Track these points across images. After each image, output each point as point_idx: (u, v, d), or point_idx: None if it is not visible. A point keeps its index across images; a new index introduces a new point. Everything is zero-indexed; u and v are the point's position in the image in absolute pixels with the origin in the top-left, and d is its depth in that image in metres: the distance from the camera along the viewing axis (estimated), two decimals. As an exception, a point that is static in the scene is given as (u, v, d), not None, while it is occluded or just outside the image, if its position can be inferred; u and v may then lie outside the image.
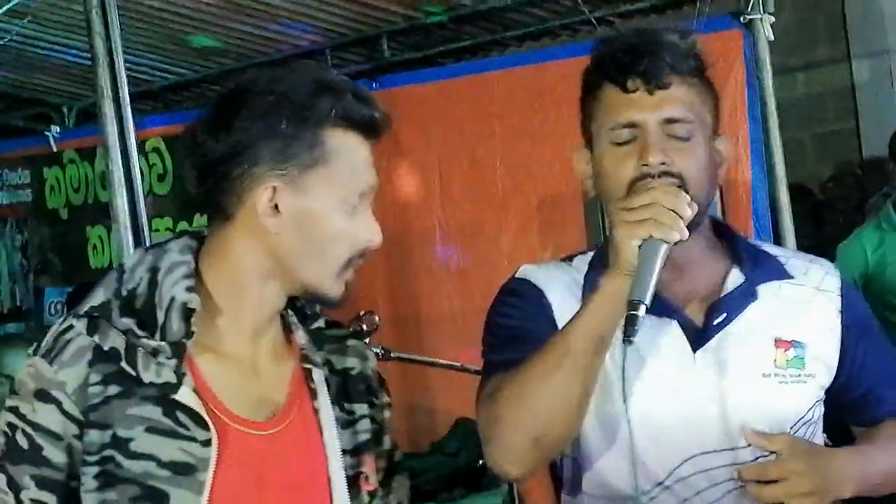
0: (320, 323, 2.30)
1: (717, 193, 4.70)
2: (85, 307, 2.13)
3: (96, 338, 2.09)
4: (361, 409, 2.31)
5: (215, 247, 2.19)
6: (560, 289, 2.42)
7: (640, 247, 2.15)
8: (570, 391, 2.21)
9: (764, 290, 2.41)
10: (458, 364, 4.58)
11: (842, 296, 2.47)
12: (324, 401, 2.24)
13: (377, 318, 4.63)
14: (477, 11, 6.06)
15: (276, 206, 2.11)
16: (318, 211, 2.12)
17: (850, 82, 8.58)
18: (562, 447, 2.33)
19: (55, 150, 7.35)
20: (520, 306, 2.42)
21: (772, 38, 4.99)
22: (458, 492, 5.55)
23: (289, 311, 2.25)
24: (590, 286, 2.35)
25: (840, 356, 2.43)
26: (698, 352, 2.33)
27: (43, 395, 2.08)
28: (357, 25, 6.29)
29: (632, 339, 2.13)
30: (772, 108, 4.97)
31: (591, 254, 2.48)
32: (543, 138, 5.66)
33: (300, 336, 2.27)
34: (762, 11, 5.00)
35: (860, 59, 8.49)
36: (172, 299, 2.11)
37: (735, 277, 2.40)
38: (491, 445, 2.27)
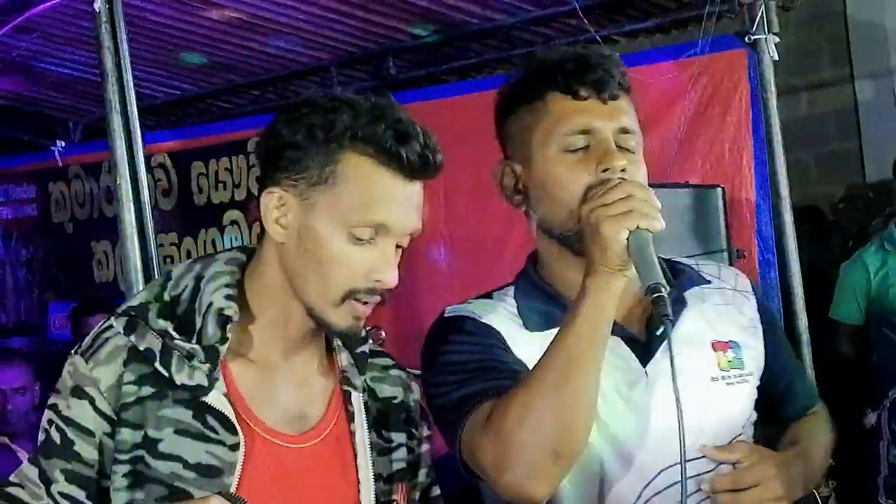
0: (364, 348, 2.30)
1: (722, 209, 4.74)
2: (125, 307, 2.17)
3: (133, 338, 2.12)
4: (399, 437, 2.31)
5: (255, 260, 2.21)
6: (501, 319, 2.38)
7: (628, 238, 2.14)
8: (582, 396, 2.17)
9: (690, 296, 2.43)
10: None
11: (754, 294, 2.53)
12: (360, 425, 2.25)
13: (383, 334, 4.64)
14: (482, 29, 6.07)
15: (283, 216, 2.12)
16: (319, 231, 2.11)
17: (854, 102, 8.58)
18: (580, 455, 2.24)
19: (60, 164, 7.37)
20: (471, 342, 2.35)
21: (776, 57, 5.00)
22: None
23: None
24: (530, 316, 2.36)
25: (765, 353, 2.47)
26: (648, 365, 2.33)
27: (78, 392, 2.11)
28: (362, 43, 6.30)
29: (670, 316, 2.10)
30: (776, 127, 4.98)
31: (510, 288, 2.47)
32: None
33: (343, 358, 2.28)
34: (766, 31, 5.01)
35: (863, 79, 8.49)
36: (210, 305, 2.14)
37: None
38: (507, 473, 2.17)
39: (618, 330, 2.30)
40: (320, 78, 6.58)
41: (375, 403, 2.30)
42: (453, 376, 2.32)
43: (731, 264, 4.65)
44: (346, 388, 2.26)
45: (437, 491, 2.43)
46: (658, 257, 2.37)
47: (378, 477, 2.24)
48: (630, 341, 2.34)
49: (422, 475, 2.37)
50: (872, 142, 8.38)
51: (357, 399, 2.26)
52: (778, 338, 2.55)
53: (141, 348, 2.11)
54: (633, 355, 2.33)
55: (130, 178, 4.16)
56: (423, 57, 6.45)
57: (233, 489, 2.09)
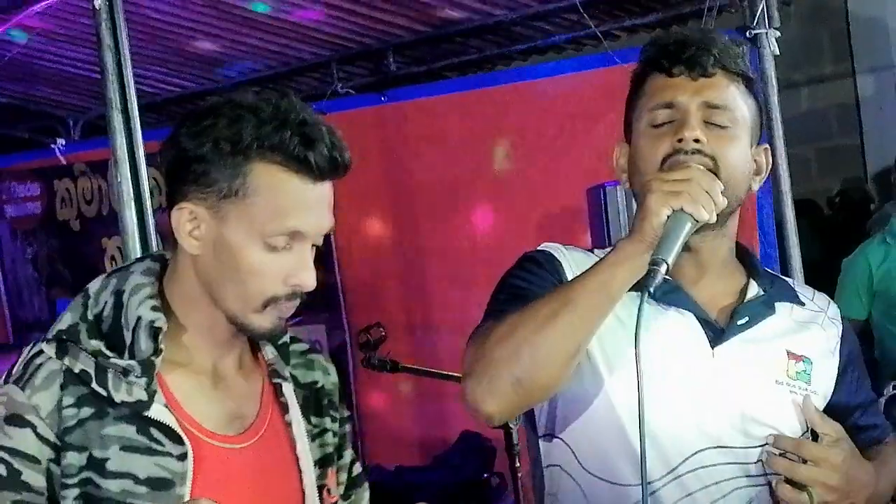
0: (285, 338, 2.32)
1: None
2: (53, 331, 2.14)
3: (66, 360, 2.10)
4: (325, 422, 2.35)
5: (172, 267, 2.21)
6: (579, 263, 2.41)
7: (668, 217, 2.16)
8: (561, 342, 2.19)
9: (780, 307, 2.46)
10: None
11: (842, 325, 2.54)
12: (295, 414, 2.28)
13: (383, 331, 4.64)
14: (483, 25, 6.07)
15: (196, 229, 2.11)
16: (234, 242, 2.10)
17: (855, 97, 8.59)
18: (541, 397, 2.31)
19: (64, 162, 7.36)
20: (535, 272, 2.41)
21: (777, 52, 5.00)
22: (460, 505, 5.55)
23: None
24: None
25: (837, 382, 2.48)
26: (717, 348, 2.36)
27: (17, 420, 2.08)
28: (363, 39, 6.30)
29: (650, 288, 2.12)
30: (777, 122, 4.97)
31: (610, 248, 2.47)
32: (550, 152, 5.68)
33: (268, 352, 2.30)
34: (767, 26, 5.00)
35: (864, 74, 8.50)
36: (139, 319, 2.12)
37: (755, 291, 2.45)
38: (472, 380, 2.23)
39: (695, 309, 2.36)
40: (321, 74, 6.58)
41: (301, 390, 2.32)
42: (500, 294, 2.42)
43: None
44: (276, 381, 2.28)
45: (359, 468, 2.46)
46: (764, 269, 2.49)
47: (315, 463, 2.28)
48: (705, 322, 2.37)
49: (346, 456, 2.41)
50: (873, 137, 8.38)
51: (288, 389, 2.29)
52: (856, 369, 2.54)
53: (76, 370, 2.09)
54: (704, 336, 2.36)
55: (131, 176, 4.16)
56: (423, 53, 6.45)
57: (186, 499, 2.09)
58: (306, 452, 2.27)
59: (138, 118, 4.20)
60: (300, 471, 2.26)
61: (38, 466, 2.07)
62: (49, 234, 7.66)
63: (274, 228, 2.08)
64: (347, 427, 2.42)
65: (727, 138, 2.31)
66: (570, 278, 2.37)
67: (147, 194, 4.20)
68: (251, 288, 2.11)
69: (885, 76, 8.36)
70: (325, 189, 2.13)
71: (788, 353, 2.42)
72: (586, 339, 2.24)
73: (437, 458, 5.74)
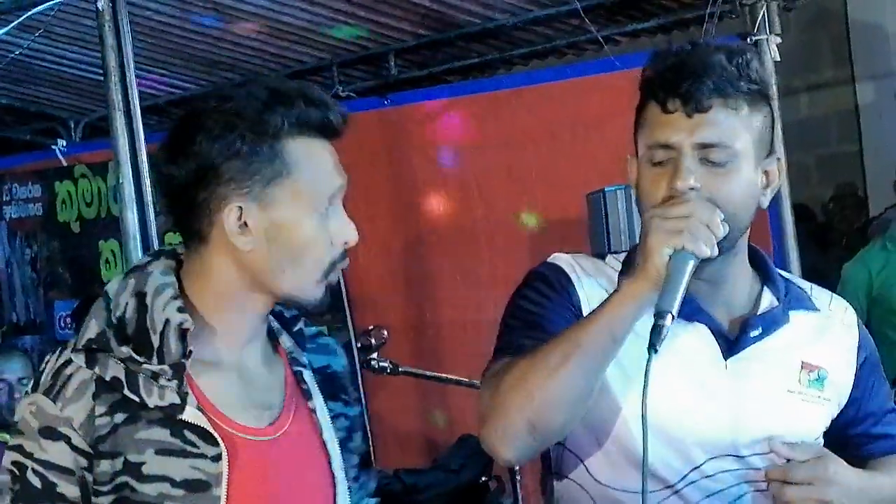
0: (300, 325, 2.34)
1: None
2: (82, 341, 2.12)
3: (97, 369, 2.10)
4: (337, 406, 2.35)
5: (195, 266, 2.20)
6: (591, 283, 2.42)
7: (669, 257, 2.16)
8: (573, 386, 2.22)
9: (795, 316, 2.45)
10: (466, 380, 4.59)
11: (859, 331, 2.53)
12: (318, 400, 2.28)
13: (385, 333, 4.64)
14: (485, 29, 6.08)
15: (245, 224, 2.12)
16: (289, 221, 2.13)
17: (854, 104, 8.60)
18: (557, 438, 2.34)
19: (65, 164, 7.37)
20: (546, 293, 2.41)
21: (777, 58, 5.01)
22: (462, 507, 5.55)
23: (270, 316, 2.27)
24: (625, 276, 2.36)
25: (853, 389, 2.48)
26: (729, 360, 2.36)
27: (50, 433, 2.08)
28: (364, 42, 6.31)
29: (657, 347, 2.13)
30: (777, 129, 4.97)
31: (623, 254, 2.50)
32: (552, 156, 5.69)
33: (285, 340, 2.31)
34: (768, 32, 5.02)
35: (864, 81, 8.51)
36: (167, 322, 2.11)
37: (769, 300, 2.43)
38: (487, 426, 2.26)
39: (707, 320, 2.36)
40: (322, 77, 6.58)
41: (316, 375, 2.33)
42: (513, 319, 2.41)
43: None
44: (296, 368, 2.29)
45: (365, 447, 2.45)
46: (778, 272, 2.47)
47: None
48: (718, 334, 2.37)
49: (357, 438, 2.40)
50: (873, 144, 8.39)
51: (309, 376, 2.30)
52: (873, 377, 2.53)
53: (107, 378, 2.09)
54: (717, 346, 2.36)
55: (133, 178, 4.16)
56: (425, 57, 6.45)
57: (223, 500, 2.10)
58: (332, 437, 2.28)
59: (140, 120, 4.20)
60: (328, 455, 2.27)
61: (72, 478, 2.08)
62: (49, 236, 7.66)
63: (321, 193, 2.14)
64: (358, 409, 2.42)
65: (725, 177, 2.26)
66: (580, 297, 2.39)
67: (149, 196, 4.20)
68: (310, 261, 2.15)
69: (885, 83, 8.37)
70: (332, 147, 2.20)
71: (803, 363, 2.41)
72: (597, 380, 2.25)
73: (437, 461, 5.75)
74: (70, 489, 2.08)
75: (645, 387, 2.12)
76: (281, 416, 2.23)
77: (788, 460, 2.31)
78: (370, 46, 6.36)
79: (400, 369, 4.62)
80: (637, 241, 2.31)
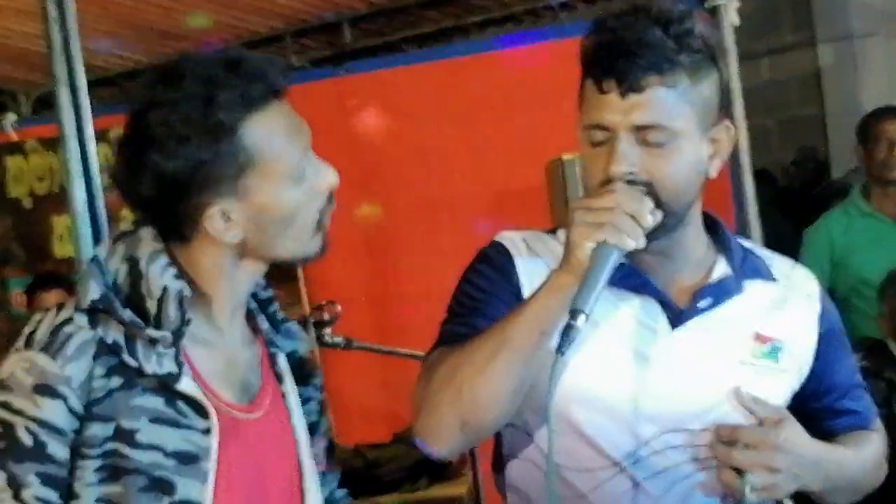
0: (274, 307, 2.32)
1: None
2: (86, 301, 2.09)
3: (99, 330, 2.07)
4: (307, 391, 2.34)
5: (185, 248, 2.17)
6: (534, 263, 2.38)
7: (593, 249, 2.12)
8: (502, 382, 2.19)
9: (749, 286, 2.40)
10: (422, 354, 4.53)
11: (821, 302, 2.48)
12: (290, 384, 2.28)
13: (339, 308, 4.60)
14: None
15: (228, 219, 2.11)
16: (270, 201, 2.12)
17: (815, 68, 8.61)
18: (491, 432, 2.31)
19: (15, 138, 7.27)
20: (488, 275, 2.38)
21: (737, 23, 4.97)
22: (422, 482, 5.53)
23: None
24: None
25: (813, 361, 2.44)
26: (676, 330, 2.32)
27: (46, 390, 2.05)
28: (318, 11, 6.25)
29: (563, 350, 2.09)
30: (737, 93, 4.94)
31: None
32: (508, 124, 5.65)
33: (262, 321, 2.30)
34: (726, -4, 4.98)
35: (825, 44, 8.51)
36: (165, 288, 2.10)
37: (722, 269, 2.39)
38: (419, 420, 2.25)
39: (655, 292, 2.32)
40: (276, 47, 6.52)
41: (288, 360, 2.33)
42: (455, 304, 2.40)
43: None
44: (272, 350, 2.28)
45: (332, 435, 2.45)
46: (735, 239, 2.43)
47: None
48: (665, 305, 2.33)
49: (324, 422, 2.40)
50: (834, 107, 8.39)
51: (282, 360, 2.29)
52: (834, 350, 2.48)
53: (109, 341, 2.06)
54: (665, 318, 2.33)
55: (80, 153, 4.08)
56: (380, 25, 6.41)
57: (211, 474, 2.09)
58: (301, 423, 2.28)
59: (87, 94, 4.11)
60: (296, 441, 2.27)
61: (63, 438, 2.05)
62: (1, 212, 7.57)
63: (293, 162, 2.12)
64: (323, 393, 2.42)
65: (664, 156, 2.21)
66: (521, 280, 2.36)
67: (96, 171, 4.12)
68: (302, 221, 2.15)
69: (846, 45, 8.37)
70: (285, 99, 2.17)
71: (756, 334, 2.37)
72: (527, 373, 2.21)
73: (398, 435, 5.72)
74: (60, 450, 2.05)
75: (550, 390, 2.09)
76: (258, 396, 2.22)
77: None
78: (324, 15, 6.30)
79: (354, 344, 4.58)
80: None
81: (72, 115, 4.10)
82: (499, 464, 2.47)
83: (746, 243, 2.53)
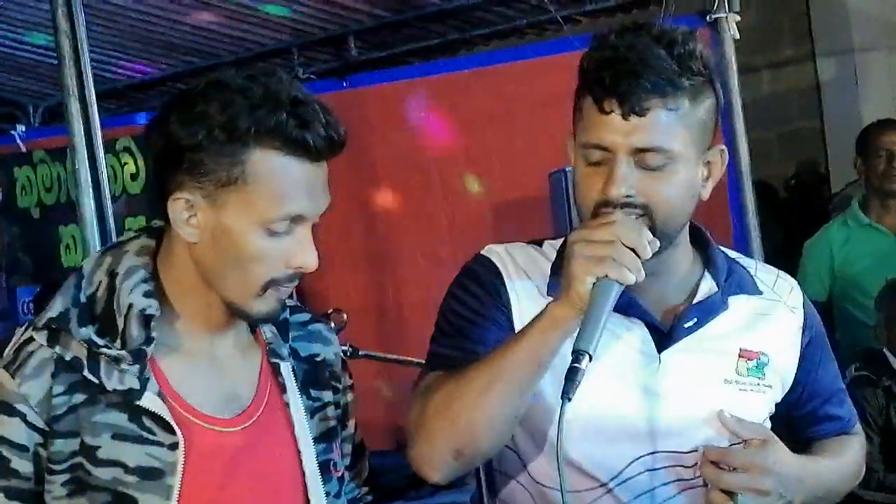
0: (286, 314, 2.29)
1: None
2: (44, 318, 2.11)
3: (57, 349, 2.08)
4: (327, 395, 2.33)
5: (165, 248, 2.17)
6: (522, 281, 2.37)
7: (594, 284, 2.11)
8: (498, 413, 2.19)
9: (734, 301, 2.40)
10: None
11: (804, 311, 2.49)
12: (292, 395, 2.26)
13: (344, 317, 4.62)
14: (444, 10, 6.06)
15: (194, 216, 2.08)
16: (234, 229, 2.07)
17: (815, 81, 8.61)
18: (485, 459, 2.33)
19: (24, 149, 7.31)
20: (476, 294, 2.36)
21: (737, 36, 5.00)
22: (427, 489, 5.54)
23: None
24: (554, 283, 2.33)
25: (797, 371, 2.45)
26: (664, 353, 2.32)
27: (7, 409, 2.08)
28: (324, 24, 6.27)
29: (570, 396, 2.08)
30: (737, 107, 4.98)
31: (560, 241, 2.43)
32: (512, 137, 5.67)
33: (266, 330, 2.27)
34: (728, 10, 5.01)
35: (825, 57, 8.51)
36: (130, 306, 2.09)
37: (708, 286, 2.39)
38: (414, 447, 2.24)
39: (641, 314, 2.31)
40: (282, 60, 6.54)
41: (301, 364, 2.31)
42: (444, 324, 2.37)
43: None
44: (273, 360, 2.26)
45: (359, 438, 2.46)
46: (721, 253, 2.42)
47: (316, 439, 2.27)
48: (652, 327, 2.32)
49: (350, 426, 2.40)
50: (834, 120, 8.40)
51: (286, 369, 2.26)
52: (818, 358, 2.50)
53: (67, 358, 2.08)
54: (651, 340, 2.32)
55: (89, 163, 4.13)
56: (385, 38, 6.43)
57: (176, 489, 2.08)
58: (305, 432, 2.25)
59: (96, 105, 4.16)
60: (299, 451, 2.25)
61: (25, 454, 2.08)
62: (9, 222, 7.60)
63: (275, 214, 2.06)
64: (350, 396, 2.40)
65: (662, 180, 2.20)
66: (510, 296, 2.35)
67: (105, 181, 4.17)
68: (251, 273, 2.09)
69: (846, 59, 8.38)
70: (322, 169, 2.10)
71: (742, 350, 2.37)
72: (523, 403, 2.22)
73: (401, 443, 5.71)
74: (24, 465, 2.08)
75: (559, 434, 2.08)
76: (250, 407, 2.21)
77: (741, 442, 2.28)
78: (331, 28, 6.33)
79: (360, 353, 4.60)
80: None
81: (81, 125, 4.14)
82: (491, 481, 2.48)
83: (731, 253, 2.52)
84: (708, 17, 5.00)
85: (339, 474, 2.32)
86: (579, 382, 2.07)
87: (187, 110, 2.06)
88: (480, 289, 2.37)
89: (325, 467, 2.28)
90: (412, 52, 6.53)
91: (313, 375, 2.32)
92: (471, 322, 2.34)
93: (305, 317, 2.37)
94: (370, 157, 6.13)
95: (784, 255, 5.96)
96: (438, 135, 5.96)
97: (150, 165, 2.20)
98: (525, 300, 2.34)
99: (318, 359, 2.34)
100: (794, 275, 5.83)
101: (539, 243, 2.46)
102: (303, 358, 2.32)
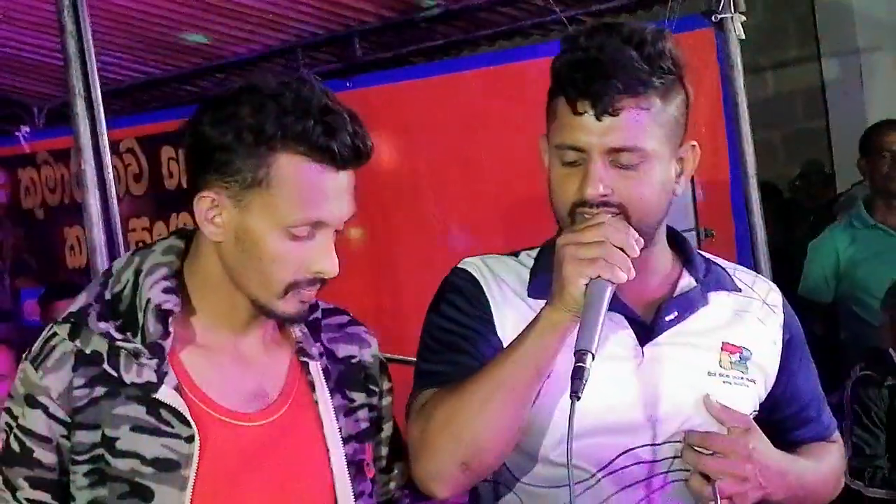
0: (316, 314, 2.32)
1: (690, 189, 4.74)
2: (67, 312, 2.18)
3: (78, 342, 2.14)
4: (360, 397, 2.35)
5: (194, 247, 2.22)
6: (501, 285, 2.40)
7: (587, 285, 2.13)
8: (503, 421, 2.21)
9: (714, 297, 2.43)
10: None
11: (784, 311, 2.51)
12: (322, 393, 2.28)
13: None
14: (449, 11, 6.06)
15: (219, 215, 2.13)
16: (256, 231, 2.12)
17: (820, 81, 8.62)
18: (493, 469, 2.32)
19: (28, 150, 7.31)
20: (459, 306, 2.38)
21: (743, 36, 4.99)
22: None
23: None
24: (536, 285, 2.36)
25: (779, 370, 2.46)
26: (646, 346, 2.34)
27: (30, 401, 2.14)
28: (329, 25, 6.28)
29: (579, 395, 2.10)
30: (743, 107, 4.97)
31: (537, 249, 2.47)
32: (517, 137, 5.67)
33: (295, 329, 2.30)
34: (733, 10, 5.00)
35: (830, 58, 8.52)
36: (148, 301, 2.15)
37: (687, 281, 2.42)
38: (419, 466, 2.26)
39: (622, 309, 2.32)
40: (286, 60, 6.55)
41: (337, 365, 2.33)
42: (431, 341, 2.39)
43: (699, 244, 4.66)
44: (302, 359, 2.29)
45: (400, 441, 2.45)
46: (698, 252, 2.45)
47: (347, 439, 2.28)
48: (633, 322, 2.35)
49: (387, 429, 2.41)
50: (839, 121, 8.41)
51: (315, 368, 2.29)
52: (799, 359, 2.51)
53: (88, 351, 2.13)
54: (633, 334, 2.34)
55: (95, 163, 4.13)
56: (389, 39, 6.43)
57: (191, 481, 2.12)
58: (334, 431, 2.27)
59: (101, 105, 4.16)
60: (328, 449, 2.26)
61: (49, 445, 2.14)
62: (14, 223, 7.61)
63: (298, 219, 2.10)
64: (389, 399, 2.42)
65: (636, 178, 2.23)
66: (491, 304, 2.37)
67: (111, 182, 4.17)
68: (273, 275, 2.13)
69: (851, 59, 8.38)
70: (347, 177, 2.15)
71: (724, 344, 2.39)
72: (525, 410, 2.24)
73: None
74: (47, 456, 2.14)
75: (569, 434, 2.09)
76: (275, 403, 2.24)
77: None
78: (335, 29, 6.33)
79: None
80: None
81: (87, 125, 4.14)
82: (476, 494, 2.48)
83: (709, 255, 2.55)
84: (713, 18, 4.98)
85: (371, 475, 2.34)
86: (586, 380, 2.09)
87: (218, 111, 2.12)
88: (464, 301, 2.39)
89: (357, 467, 2.29)
90: (417, 52, 6.52)
91: (348, 376, 2.34)
92: (460, 336, 2.36)
93: (344, 319, 2.40)
94: (373, 157, 6.12)
95: (789, 256, 5.97)
96: (442, 135, 5.94)
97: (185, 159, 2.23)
98: (504, 306, 2.37)
99: (353, 360, 2.36)
100: (795, 275, 5.85)
101: (515, 254, 2.49)
102: (339, 359, 2.34)
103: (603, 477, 2.31)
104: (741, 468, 2.25)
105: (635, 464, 2.32)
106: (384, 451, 2.40)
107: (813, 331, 5.86)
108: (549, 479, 2.33)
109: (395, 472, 2.44)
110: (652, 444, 2.32)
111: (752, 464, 2.26)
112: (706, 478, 2.25)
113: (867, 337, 5.38)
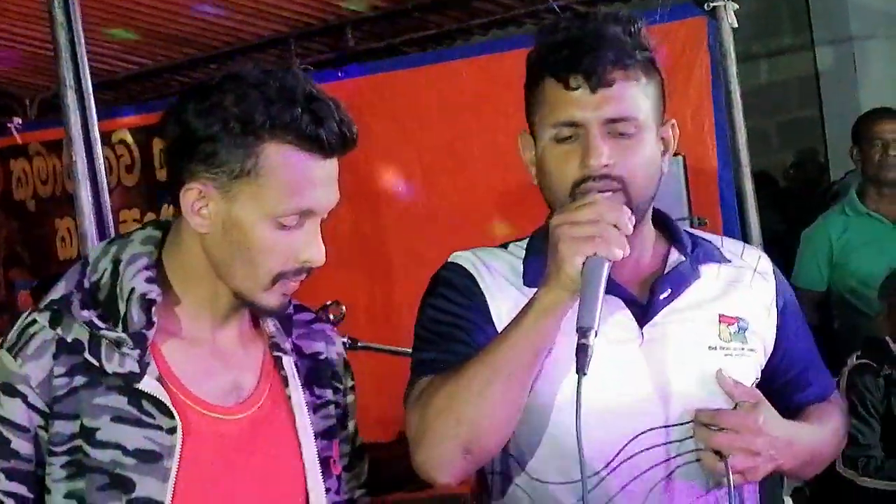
0: (290, 310, 2.31)
1: (683, 178, 4.75)
2: (46, 301, 2.16)
3: (59, 330, 2.12)
4: (328, 394, 2.35)
5: (174, 237, 2.21)
6: (494, 276, 2.40)
7: (584, 263, 2.14)
8: (503, 404, 2.21)
9: (705, 270, 2.44)
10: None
11: (776, 278, 2.52)
12: (295, 387, 2.28)
13: (343, 308, 4.63)
14: (441, 0, 6.05)
15: (206, 206, 2.12)
16: (244, 221, 2.11)
17: (814, 70, 8.62)
18: (492, 455, 2.33)
19: (20, 142, 7.30)
20: (452, 298, 2.39)
21: (735, 25, 4.99)
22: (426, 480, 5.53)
23: None
24: (530, 272, 2.36)
25: (777, 335, 2.47)
26: (645, 327, 2.34)
27: (8, 389, 2.11)
28: (321, 14, 6.27)
29: (585, 371, 2.10)
30: (735, 95, 4.96)
31: (526, 240, 2.48)
32: (510, 126, 5.65)
33: (269, 324, 2.30)
34: (726, -2, 4.99)
35: (823, 46, 8.53)
36: (132, 290, 2.13)
37: (676, 257, 2.43)
38: (420, 453, 2.25)
39: (618, 290, 2.32)
40: (279, 50, 6.54)
41: (305, 361, 2.33)
42: (425, 332, 2.39)
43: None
44: (276, 353, 2.29)
45: (360, 440, 2.47)
46: (684, 229, 2.46)
47: (317, 435, 2.28)
48: (629, 303, 2.35)
49: (350, 426, 2.42)
50: (833, 109, 8.41)
51: (288, 362, 2.29)
52: (794, 324, 2.53)
53: (69, 340, 2.11)
54: (631, 316, 2.34)
55: (86, 155, 4.11)
56: (382, 28, 6.42)
57: (173, 472, 2.11)
58: (306, 426, 2.27)
59: (92, 96, 4.14)
60: (300, 444, 2.27)
61: (26, 435, 2.11)
62: (6, 215, 7.60)
63: (287, 208, 2.10)
64: (351, 397, 2.43)
65: (633, 148, 2.27)
66: (485, 295, 2.37)
67: (102, 173, 4.15)
68: (261, 266, 2.13)
69: (844, 48, 8.39)
70: (333, 165, 2.15)
71: (721, 316, 2.40)
72: (525, 393, 2.24)
73: (401, 434, 5.71)
74: (24, 446, 2.11)
75: (578, 410, 2.10)
76: (251, 397, 2.24)
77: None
78: (328, 18, 6.32)
79: (359, 344, 4.61)
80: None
81: (78, 117, 4.12)
82: (484, 484, 2.47)
83: (693, 231, 2.56)
84: (706, 6, 4.98)
85: (338, 472, 2.34)
86: (590, 356, 2.10)
87: (202, 101, 2.10)
88: (457, 293, 2.39)
89: (325, 463, 2.29)
90: (410, 42, 6.51)
91: (315, 373, 2.34)
92: (455, 326, 2.36)
93: (309, 316, 2.40)
94: (366, 147, 6.10)
95: (783, 245, 5.96)
96: (436, 124, 5.93)
97: (166, 150, 2.22)
98: (499, 296, 2.37)
99: (320, 357, 2.36)
100: (790, 264, 5.84)
101: (504, 246, 2.49)
102: (306, 355, 2.34)
103: (617, 464, 2.31)
104: (752, 443, 2.26)
105: (643, 452, 2.32)
106: (346, 448, 2.40)
107: (807, 320, 5.86)
108: (562, 472, 2.32)
109: (356, 470, 2.45)
110: (665, 426, 2.32)
111: (763, 438, 2.27)
112: (718, 454, 2.26)
113: (861, 325, 5.38)
